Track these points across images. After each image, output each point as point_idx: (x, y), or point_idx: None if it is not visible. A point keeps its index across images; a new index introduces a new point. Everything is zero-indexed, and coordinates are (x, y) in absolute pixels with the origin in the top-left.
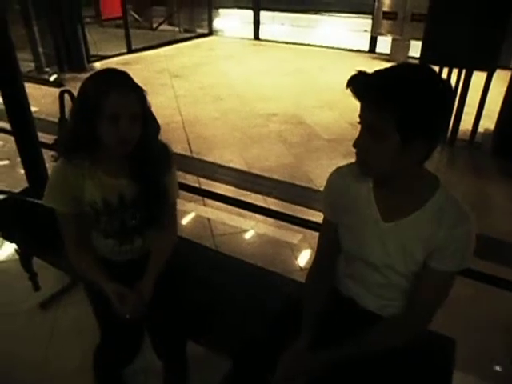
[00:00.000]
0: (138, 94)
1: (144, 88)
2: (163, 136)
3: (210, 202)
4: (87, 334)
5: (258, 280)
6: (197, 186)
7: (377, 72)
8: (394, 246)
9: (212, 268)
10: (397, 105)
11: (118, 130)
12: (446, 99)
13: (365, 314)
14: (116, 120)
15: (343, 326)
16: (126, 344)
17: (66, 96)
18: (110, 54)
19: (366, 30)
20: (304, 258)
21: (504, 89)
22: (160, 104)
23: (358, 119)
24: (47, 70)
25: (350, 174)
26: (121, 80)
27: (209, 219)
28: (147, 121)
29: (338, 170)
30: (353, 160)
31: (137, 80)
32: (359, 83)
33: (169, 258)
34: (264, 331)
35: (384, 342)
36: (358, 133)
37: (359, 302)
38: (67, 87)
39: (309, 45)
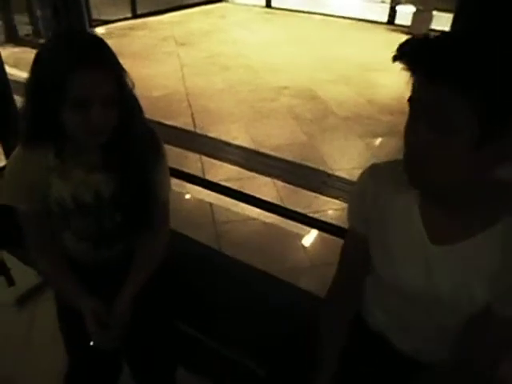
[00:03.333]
0: (114, 69)
1: (121, 61)
2: (165, 109)
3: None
4: None
5: (264, 293)
6: (197, 175)
7: (442, 38)
8: (444, 277)
9: (209, 276)
10: (483, 82)
11: (89, 118)
12: None
13: (397, 357)
14: (85, 106)
15: (370, 368)
16: (100, 375)
17: None
18: (113, 18)
19: (383, 1)
20: (314, 251)
21: None
22: (163, 74)
23: (408, 105)
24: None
25: (388, 174)
26: (91, 51)
27: (211, 204)
28: (126, 103)
29: (373, 168)
30: (372, 142)
31: (140, 48)
32: (421, 53)
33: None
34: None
35: None
36: (378, 112)
37: (392, 340)
38: None
39: (323, 14)
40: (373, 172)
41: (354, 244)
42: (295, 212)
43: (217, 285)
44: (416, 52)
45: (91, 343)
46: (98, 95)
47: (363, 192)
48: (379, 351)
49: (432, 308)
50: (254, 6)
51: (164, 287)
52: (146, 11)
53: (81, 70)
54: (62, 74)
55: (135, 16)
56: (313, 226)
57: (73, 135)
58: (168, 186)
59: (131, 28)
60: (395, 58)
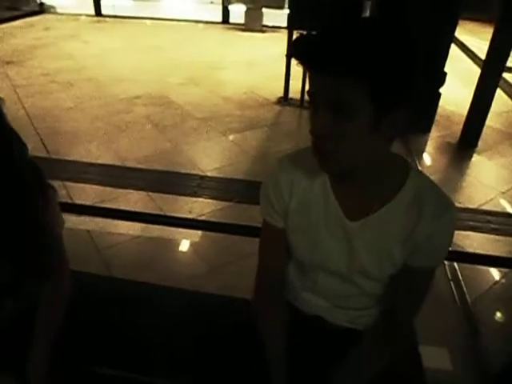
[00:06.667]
0: None
1: None
2: None
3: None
4: None
5: (183, 311)
6: (64, 201)
7: (329, 31)
8: (365, 248)
9: (116, 307)
10: (369, 65)
11: None
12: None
13: (335, 331)
14: None
15: (315, 352)
16: None
17: None
18: None
19: (212, 2)
20: (208, 254)
21: None
22: None
23: (308, 98)
24: None
25: (299, 162)
26: None
27: (88, 231)
28: (3, 139)
29: (283, 160)
30: (236, 137)
31: None
32: (311, 49)
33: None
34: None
35: (377, 362)
36: (234, 108)
37: (326, 318)
38: None
39: (157, 19)
40: (283, 165)
41: (272, 237)
42: (176, 218)
43: (126, 315)
44: (301, 49)
45: None
46: None
47: (277, 186)
48: (317, 332)
49: (361, 281)
50: (81, 15)
51: (75, 333)
52: None
53: None
54: None
55: None
56: (199, 228)
57: None
58: (58, 221)
59: None
60: (293, 55)
